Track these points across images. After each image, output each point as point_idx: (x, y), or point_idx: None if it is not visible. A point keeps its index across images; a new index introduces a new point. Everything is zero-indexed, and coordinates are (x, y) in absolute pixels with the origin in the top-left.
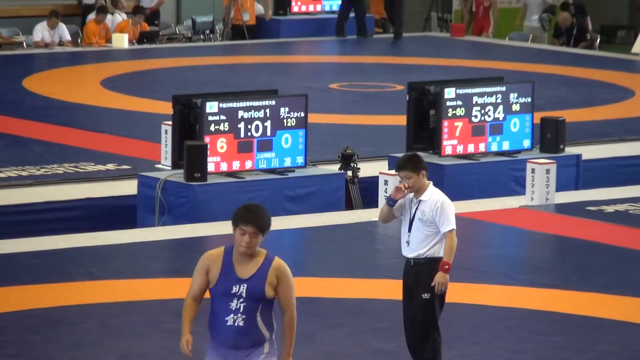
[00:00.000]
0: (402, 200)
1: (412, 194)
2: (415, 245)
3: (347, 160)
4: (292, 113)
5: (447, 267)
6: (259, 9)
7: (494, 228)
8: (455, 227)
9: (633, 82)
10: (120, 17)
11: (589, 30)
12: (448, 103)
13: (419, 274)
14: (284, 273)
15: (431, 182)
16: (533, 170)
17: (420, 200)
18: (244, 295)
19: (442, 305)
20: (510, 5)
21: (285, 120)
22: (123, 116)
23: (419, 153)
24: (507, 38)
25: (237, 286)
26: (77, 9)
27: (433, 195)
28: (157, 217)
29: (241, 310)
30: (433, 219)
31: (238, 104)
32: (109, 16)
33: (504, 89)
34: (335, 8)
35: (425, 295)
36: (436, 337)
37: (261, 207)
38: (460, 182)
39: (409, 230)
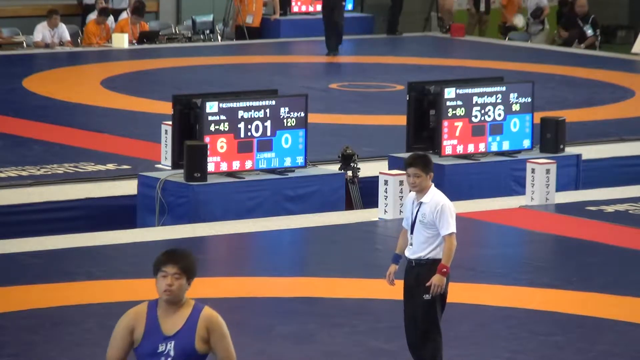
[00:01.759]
0: (407, 207)
1: (414, 197)
2: (417, 247)
3: (347, 160)
4: (292, 113)
5: (444, 270)
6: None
7: (494, 228)
8: (455, 231)
9: (633, 82)
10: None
11: (598, 27)
12: (448, 103)
13: (420, 275)
14: (215, 323)
15: (433, 185)
16: (533, 170)
17: (422, 203)
18: (172, 354)
19: (444, 306)
20: None
21: (285, 120)
22: (123, 116)
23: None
24: (507, 38)
25: (164, 344)
26: (77, 9)
27: (434, 197)
28: (157, 217)
29: None
30: (433, 221)
31: (238, 104)
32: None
33: (504, 89)
34: None
35: (427, 297)
36: (437, 338)
37: (186, 249)
38: (460, 182)
39: (412, 232)
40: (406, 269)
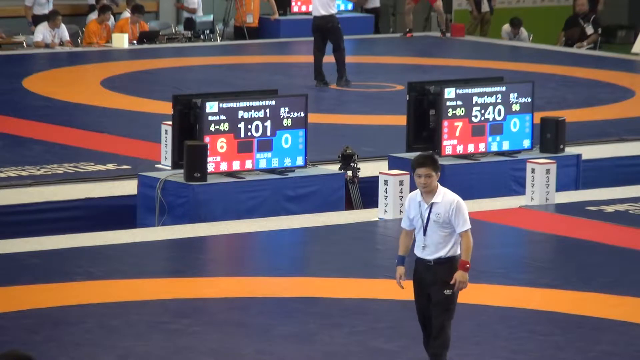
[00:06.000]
0: (412, 208)
1: (419, 199)
2: (434, 247)
3: (347, 160)
4: (292, 113)
5: (467, 266)
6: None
7: (494, 228)
8: (470, 227)
9: (633, 82)
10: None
11: (600, 25)
12: (448, 103)
13: (440, 272)
14: None
15: (439, 184)
16: (533, 170)
17: (433, 203)
18: None
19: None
20: (510, 5)
21: (285, 120)
22: (123, 116)
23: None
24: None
25: None
26: (79, 9)
27: (446, 196)
28: (157, 217)
29: None
30: (449, 219)
31: (238, 104)
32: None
33: (504, 89)
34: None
35: (447, 292)
36: (449, 332)
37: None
38: (460, 182)
39: (424, 234)
40: (420, 269)
